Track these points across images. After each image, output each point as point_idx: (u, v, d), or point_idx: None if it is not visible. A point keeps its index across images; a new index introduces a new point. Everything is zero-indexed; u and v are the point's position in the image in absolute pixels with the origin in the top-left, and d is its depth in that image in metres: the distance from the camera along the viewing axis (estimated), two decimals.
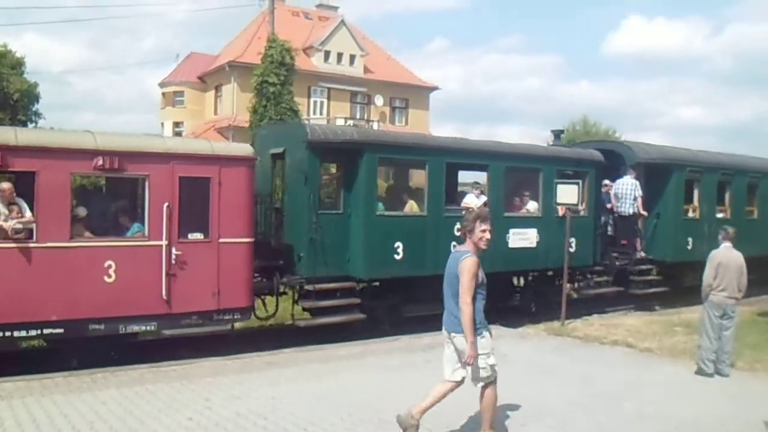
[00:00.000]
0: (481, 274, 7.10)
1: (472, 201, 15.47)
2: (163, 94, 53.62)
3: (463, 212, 12.52)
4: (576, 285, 17.76)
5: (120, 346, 11.53)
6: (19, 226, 10.28)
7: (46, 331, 10.56)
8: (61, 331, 10.63)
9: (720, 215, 19.79)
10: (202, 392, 9.22)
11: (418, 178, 15.42)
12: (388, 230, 13.86)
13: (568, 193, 14.85)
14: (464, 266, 6.96)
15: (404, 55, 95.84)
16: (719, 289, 10.74)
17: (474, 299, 6.96)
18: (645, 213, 18.08)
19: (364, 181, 13.62)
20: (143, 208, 11.38)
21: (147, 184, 11.30)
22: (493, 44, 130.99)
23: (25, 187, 10.58)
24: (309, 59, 46.26)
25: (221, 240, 11.83)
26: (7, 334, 10.25)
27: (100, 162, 10.81)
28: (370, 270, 13.73)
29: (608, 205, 18.20)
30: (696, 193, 19.48)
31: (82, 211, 11.28)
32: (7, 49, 36.63)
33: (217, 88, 48.22)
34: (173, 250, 11.39)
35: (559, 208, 15.97)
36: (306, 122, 14.25)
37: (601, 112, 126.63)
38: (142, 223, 11.42)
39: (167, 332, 12.07)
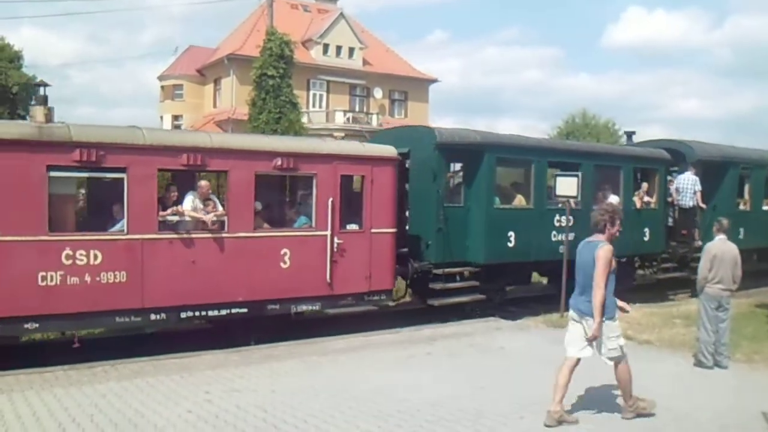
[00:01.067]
0: (614, 262, 7.81)
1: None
2: (162, 87, 53.62)
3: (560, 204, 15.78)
4: (648, 270, 19.98)
5: (282, 324, 12.96)
6: (215, 218, 11.78)
7: (233, 310, 12.13)
8: (245, 310, 12.25)
9: (766, 207, 21.81)
10: (202, 385, 9.24)
11: (526, 175, 16.99)
12: (502, 221, 15.58)
13: (567, 186, 14.91)
14: (601, 253, 7.72)
15: (403, 48, 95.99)
16: (714, 281, 10.76)
17: (606, 284, 7.68)
18: (704, 206, 19.40)
19: (484, 178, 15.33)
20: (311, 202, 13.06)
21: (315, 181, 12.94)
22: (493, 36, 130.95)
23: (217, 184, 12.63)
24: (308, 52, 46.25)
25: (372, 230, 13.56)
26: (203, 313, 11.95)
27: (279, 162, 12.45)
28: (489, 256, 15.34)
29: (668, 199, 19.67)
30: (747, 187, 21.58)
31: (258, 205, 12.59)
32: (5, 43, 36.62)
33: (216, 81, 48.22)
34: (335, 240, 13.04)
35: (636, 200, 18.30)
36: (434, 126, 16.48)
37: (600, 104, 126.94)
38: (308, 215, 13.12)
39: (330, 311, 14.21)
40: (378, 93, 49.01)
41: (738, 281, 10.97)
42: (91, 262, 10.76)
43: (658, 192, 19.08)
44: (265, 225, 12.73)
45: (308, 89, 45.73)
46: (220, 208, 12.02)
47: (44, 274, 10.41)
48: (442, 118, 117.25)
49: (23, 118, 35.29)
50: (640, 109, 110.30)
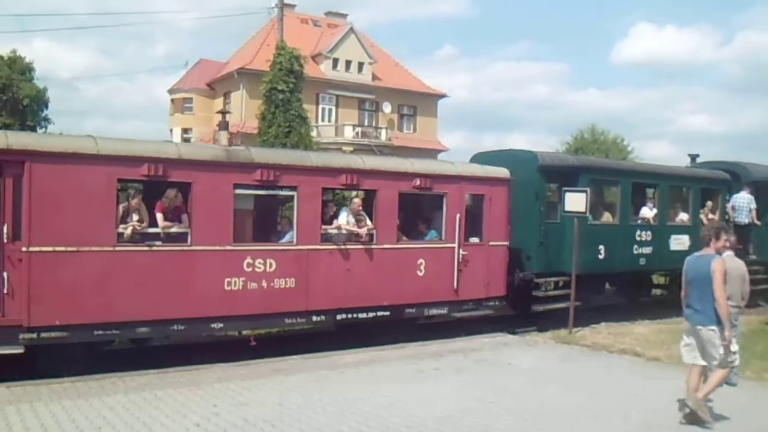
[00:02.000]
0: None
1: (647, 213, 18.88)
2: (172, 100, 53.87)
3: (639, 221, 18.30)
4: None
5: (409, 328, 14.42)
6: (367, 231, 13.35)
7: (379, 314, 13.55)
8: (388, 313, 13.69)
9: None
10: (210, 398, 9.24)
11: (613, 194, 18.85)
12: (594, 236, 16.81)
13: (576, 201, 15.01)
14: (716, 266, 8.48)
15: (412, 63, 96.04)
16: None
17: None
18: (758, 222, 20.45)
19: None
20: (440, 217, 14.56)
21: (445, 199, 14.50)
22: (502, 52, 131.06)
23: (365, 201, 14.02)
24: (318, 66, 46.40)
25: (490, 243, 15.07)
26: (355, 315, 13.30)
27: (418, 182, 14.04)
28: (584, 267, 16.25)
29: (725, 217, 20.48)
30: None
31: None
32: (16, 55, 36.87)
33: (226, 95, 48.39)
34: (461, 251, 14.50)
35: (702, 217, 19.51)
36: (535, 151, 17.53)
37: (608, 119, 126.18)
38: (438, 229, 14.62)
39: (456, 315, 15.13)
40: (387, 107, 49.10)
41: (746, 298, 10.93)
42: (267, 269, 12.25)
43: (720, 210, 20.37)
44: (404, 238, 14.23)
45: (317, 103, 45.86)
46: (369, 223, 13.51)
47: (229, 279, 11.86)
48: (451, 132, 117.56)
49: (33, 129, 35.58)
50: (649, 125, 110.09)
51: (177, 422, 8.19)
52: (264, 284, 12.17)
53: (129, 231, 11.06)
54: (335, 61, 47.74)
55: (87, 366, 10.61)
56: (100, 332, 10.94)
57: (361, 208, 13.58)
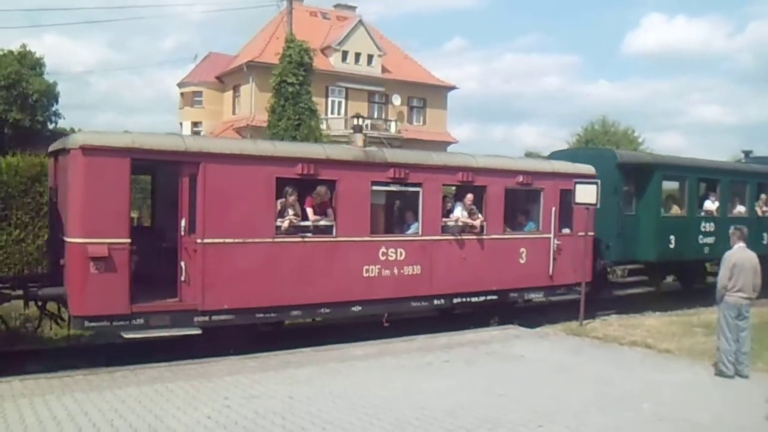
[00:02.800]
0: None
1: (710, 206, 20.26)
2: (182, 94, 53.92)
3: (703, 213, 19.87)
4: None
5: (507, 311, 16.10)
6: (479, 223, 14.79)
7: (488, 297, 15.07)
8: (496, 297, 15.19)
9: None
10: (221, 391, 9.27)
11: (681, 188, 20.30)
12: (666, 227, 18.67)
13: (586, 193, 15.00)
14: None
15: (422, 55, 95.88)
16: (735, 289, 10.71)
17: None
18: None
19: (653, 191, 18.60)
20: (538, 210, 16.07)
21: (542, 194, 16.01)
22: (512, 43, 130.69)
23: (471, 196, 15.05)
24: (327, 59, 46.38)
25: (579, 233, 16.04)
26: (469, 299, 14.94)
27: (521, 179, 15.44)
28: (658, 255, 18.34)
29: None
30: None
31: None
32: (27, 50, 36.95)
33: (236, 88, 48.43)
34: (555, 241, 16.02)
35: (757, 210, 21.12)
36: (614, 149, 20.44)
37: (619, 111, 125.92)
38: (536, 221, 16.13)
39: (553, 298, 17.03)
40: (396, 100, 49.03)
41: (758, 289, 10.93)
42: (398, 258, 13.71)
43: None
44: (507, 229, 15.61)
45: (327, 96, 45.84)
46: (480, 216, 14.81)
47: (367, 267, 13.32)
48: (461, 124, 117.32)
49: (43, 124, 35.69)
50: (660, 116, 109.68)
51: (188, 414, 8.22)
52: (395, 271, 13.68)
53: (286, 224, 12.35)
54: (344, 54, 47.69)
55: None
56: (261, 315, 12.39)
57: (472, 202, 14.82)
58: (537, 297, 16.52)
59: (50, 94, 36.27)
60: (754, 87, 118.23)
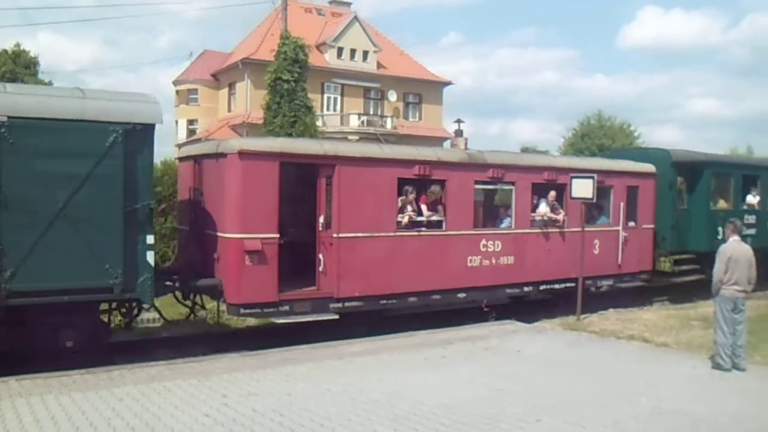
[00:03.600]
0: None
1: (752, 199, 21.76)
2: (177, 92, 53.77)
3: (746, 206, 21.33)
4: None
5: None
6: (562, 217, 16.43)
7: (568, 285, 16.24)
8: (573, 285, 15.93)
9: None
10: (219, 389, 9.26)
11: (727, 184, 21.55)
12: (715, 219, 20.03)
13: (583, 188, 15.06)
14: None
15: (418, 50, 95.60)
16: (730, 283, 10.74)
17: None
18: None
19: (704, 187, 20.21)
20: (608, 206, 17.75)
21: (612, 191, 17.61)
22: (507, 38, 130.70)
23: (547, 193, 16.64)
24: (322, 56, 46.30)
25: (642, 226, 18.24)
26: (552, 286, 16.48)
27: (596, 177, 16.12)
28: (708, 246, 18.67)
29: None
30: None
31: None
32: (21, 49, 36.85)
33: (231, 86, 48.35)
34: (622, 233, 17.63)
35: None
36: (669, 149, 21.19)
37: (616, 105, 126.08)
38: (607, 215, 17.81)
39: (622, 285, 18.46)
40: (392, 96, 48.98)
41: (753, 282, 10.96)
42: (495, 249, 15.31)
43: None
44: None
45: (322, 93, 45.78)
46: (562, 211, 16.41)
47: (471, 258, 14.93)
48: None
49: None
50: (656, 110, 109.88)
51: (186, 413, 8.21)
52: (493, 261, 15.31)
53: (406, 219, 13.95)
54: (340, 50, 47.61)
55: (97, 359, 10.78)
56: (384, 302, 13.82)
57: (555, 199, 16.35)
58: (607, 284, 17.99)
59: None
60: (751, 80, 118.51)
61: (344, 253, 13.06)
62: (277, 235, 12.36)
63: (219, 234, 12.45)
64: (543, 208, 16.32)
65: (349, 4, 53.53)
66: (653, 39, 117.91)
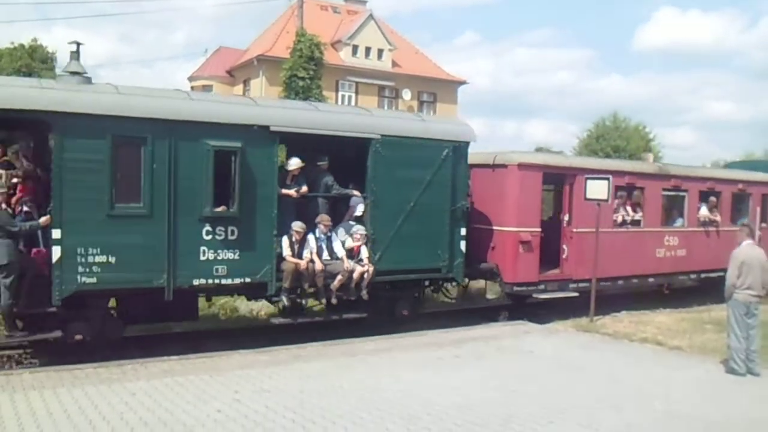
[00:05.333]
0: None
1: None
2: (192, 87, 53.79)
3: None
4: None
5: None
6: (719, 218, 19.63)
7: (716, 275, 17.56)
8: (723, 275, 17.35)
9: None
10: (231, 385, 9.28)
11: None
12: None
13: (598, 189, 15.02)
14: None
15: (433, 49, 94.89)
16: (744, 287, 10.67)
17: None
18: None
19: None
20: (746, 209, 20.63)
21: (751, 197, 20.73)
22: (523, 38, 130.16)
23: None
24: (337, 53, 46.28)
25: (762, 225, 20.65)
26: (703, 275, 19.22)
27: (740, 186, 20.37)
28: None
29: None
30: None
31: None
32: (37, 44, 36.93)
33: (246, 82, 48.39)
34: (758, 232, 19.36)
35: None
36: None
37: (631, 106, 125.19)
38: (746, 217, 20.00)
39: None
40: (407, 94, 48.88)
41: (767, 286, 10.86)
42: (673, 243, 18.51)
43: None
44: (731, 223, 19.71)
45: (337, 90, 45.75)
46: (718, 213, 19.52)
47: (658, 250, 18.09)
48: (471, 119, 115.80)
49: None
50: (672, 112, 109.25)
51: (199, 408, 8.23)
52: (672, 253, 18.43)
53: (619, 219, 17.30)
54: (355, 48, 47.56)
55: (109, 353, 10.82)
56: (603, 284, 16.53)
57: (714, 204, 19.49)
58: (714, 276, 19.61)
59: None
60: (767, 83, 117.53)
61: (579, 244, 16.20)
62: (540, 229, 15.74)
63: (495, 228, 15.59)
64: (704, 211, 19.47)
65: (364, 2, 53.42)
66: (670, 40, 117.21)
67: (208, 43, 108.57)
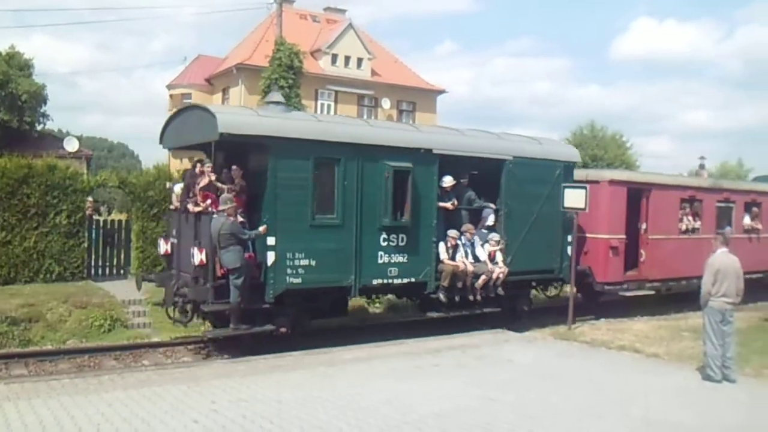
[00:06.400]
0: None
1: None
2: (171, 96, 53.64)
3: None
4: None
5: None
6: (760, 226, 22.55)
7: (761, 276, 21.09)
8: (761, 276, 21.23)
9: None
10: (208, 395, 9.21)
11: None
12: None
13: (575, 198, 15.10)
14: None
15: (412, 58, 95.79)
16: (719, 294, 10.78)
17: None
18: None
19: None
20: None
21: None
22: (503, 47, 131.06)
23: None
24: (316, 62, 46.28)
25: None
26: (757, 276, 20.41)
27: None
28: None
29: None
30: None
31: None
32: (15, 51, 36.64)
33: (225, 91, 48.25)
34: None
35: None
36: None
37: (610, 115, 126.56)
38: None
39: None
40: (386, 103, 48.94)
41: (741, 294, 10.99)
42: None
43: None
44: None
45: (316, 99, 45.72)
46: (760, 223, 22.29)
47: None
48: None
49: (31, 125, 35.47)
50: (649, 121, 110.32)
51: (176, 419, 8.16)
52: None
53: (683, 227, 19.86)
54: (334, 57, 47.58)
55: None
56: (670, 284, 19.61)
57: (757, 213, 22.30)
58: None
59: (39, 96, 35.98)
60: (743, 92, 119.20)
61: (653, 249, 18.72)
62: (625, 236, 18.00)
63: (589, 235, 17.72)
64: (747, 220, 22.10)
65: (344, 11, 53.53)
66: (647, 50, 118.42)
67: (186, 51, 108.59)
